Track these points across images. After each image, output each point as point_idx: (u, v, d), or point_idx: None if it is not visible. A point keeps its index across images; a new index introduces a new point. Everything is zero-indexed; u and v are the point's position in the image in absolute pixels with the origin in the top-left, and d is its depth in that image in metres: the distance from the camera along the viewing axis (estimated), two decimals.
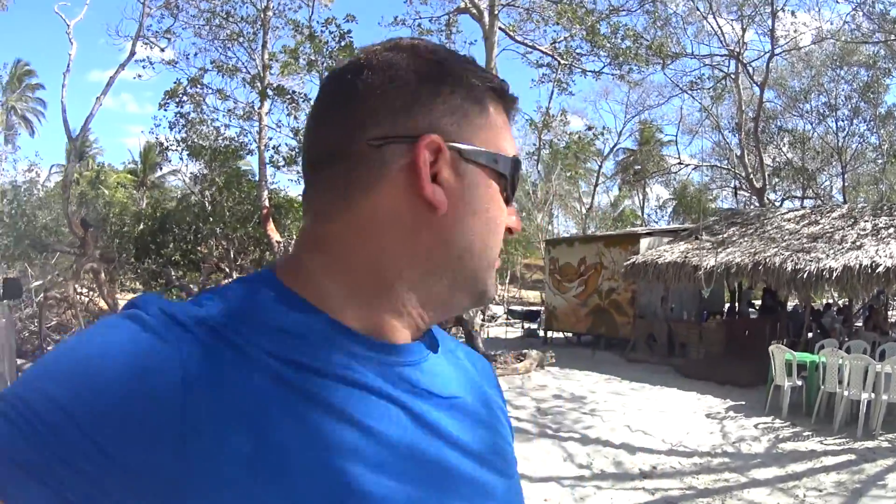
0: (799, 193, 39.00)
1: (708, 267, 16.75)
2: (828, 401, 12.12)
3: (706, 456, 10.23)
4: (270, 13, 21.64)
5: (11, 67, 49.07)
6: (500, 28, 19.22)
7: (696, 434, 11.41)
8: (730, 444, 10.93)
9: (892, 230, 15.77)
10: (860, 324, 21.68)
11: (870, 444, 10.65)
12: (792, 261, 15.47)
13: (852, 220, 17.31)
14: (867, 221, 16.88)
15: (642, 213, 54.32)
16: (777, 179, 38.80)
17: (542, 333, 24.01)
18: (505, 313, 29.49)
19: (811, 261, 15.15)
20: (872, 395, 11.33)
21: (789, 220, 19.17)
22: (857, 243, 15.46)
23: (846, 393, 11.45)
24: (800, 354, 13.37)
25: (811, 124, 37.07)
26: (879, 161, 36.99)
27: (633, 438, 11.02)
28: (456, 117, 0.88)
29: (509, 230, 0.96)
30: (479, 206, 0.89)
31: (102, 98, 21.54)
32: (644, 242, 20.21)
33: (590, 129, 21.75)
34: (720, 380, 15.65)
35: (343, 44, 18.76)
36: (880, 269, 13.89)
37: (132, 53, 22.01)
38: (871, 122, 34.11)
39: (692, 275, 17.15)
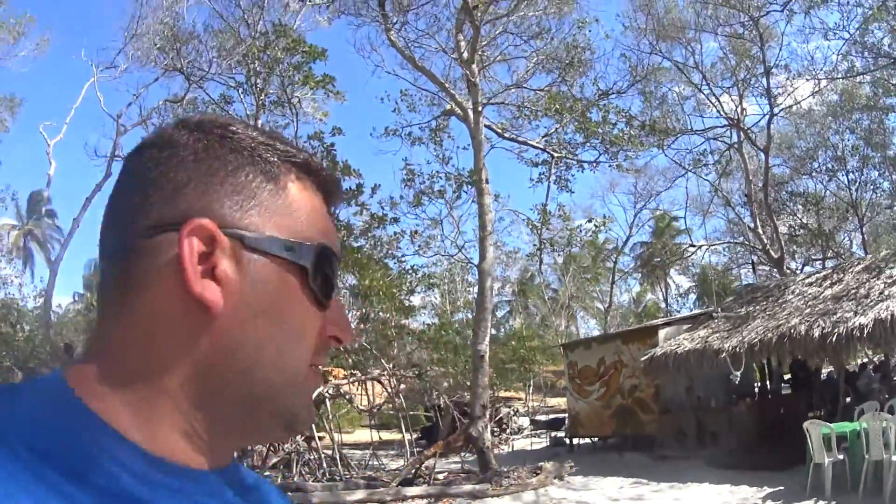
0: (819, 256, 37.03)
1: (730, 349, 15.43)
2: (874, 471, 10.69)
3: None
4: None
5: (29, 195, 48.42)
6: (486, 126, 18.63)
7: None
8: None
9: None
10: None
11: None
12: (818, 326, 14.09)
13: (877, 271, 16.04)
14: (893, 268, 15.64)
15: (666, 304, 52.85)
16: (795, 246, 37.12)
17: (567, 441, 22.60)
18: (530, 424, 28.00)
19: (839, 322, 13.77)
20: None
21: (811, 284, 17.88)
22: (886, 294, 14.12)
23: (895, 458, 10.04)
24: (838, 425, 12.02)
25: (822, 183, 35.65)
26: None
27: None
28: (239, 198, 0.75)
29: (336, 339, 0.82)
30: (269, 306, 0.75)
31: (80, 219, 21.32)
32: (662, 333, 18.97)
33: (590, 220, 20.73)
34: (754, 466, 14.23)
35: (328, 157, 18.21)
36: None
37: (108, 175, 21.79)
38: (882, 167, 32.67)
39: (714, 360, 15.85)
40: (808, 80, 30.54)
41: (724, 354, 15.47)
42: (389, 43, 19.69)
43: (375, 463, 18.99)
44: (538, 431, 26.06)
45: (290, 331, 0.77)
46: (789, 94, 30.95)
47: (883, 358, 20.93)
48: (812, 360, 15.70)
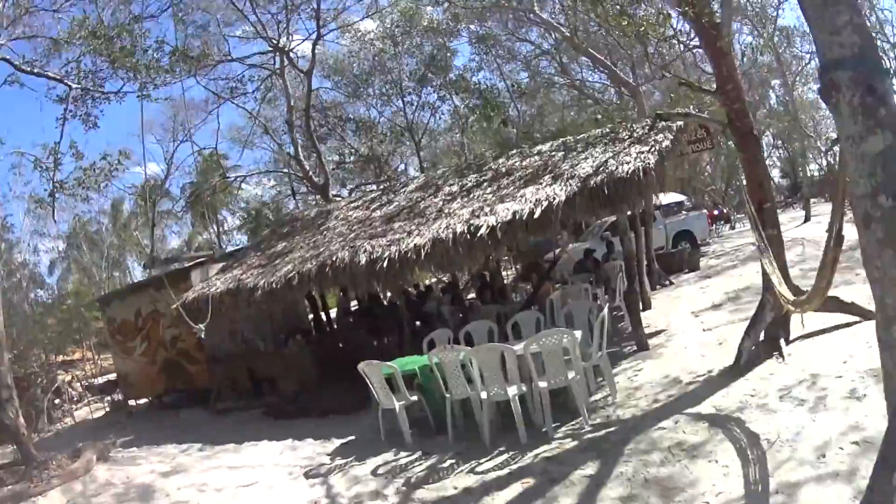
0: (373, 181, 35.37)
1: (265, 285, 13.34)
2: (462, 410, 9.21)
3: None
4: None
5: None
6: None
7: None
8: None
9: (486, 186, 13.19)
10: (473, 296, 19.18)
11: (546, 450, 7.87)
12: (365, 251, 12.30)
13: (434, 189, 14.70)
14: (452, 185, 14.31)
15: (219, 244, 49.51)
16: (346, 174, 35.98)
17: (126, 405, 19.42)
18: (85, 390, 23.93)
19: (391, 244, 12.08)
20: (524, 387, 8.53)
21: (357, 207, 16.26)
22: (445, 210, 12.67)
23: (484, 394, 8.50)
24: (404, 360, 10.49)
25: (376, 109, 34.22)
26: (456, 133, 35.17)
27: None
28: None
29: None
30: None
31: None
32: (195, 276, 16.40)
33: (104, 158, 17.22)
34: (322, 411, 12.52)
35: None
36: (482, 231, 10.95)
37: None
38: (443, 91, 31.19)
39: (250, 298, 13.63)
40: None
41: (259, 292, 13.30)
42: None
43: None
44: (94, 397, 22.36)
45: None
46: (339, 15, 29.09)
47: (451, 278, 19.78)
48: (361, 288, 13.73)
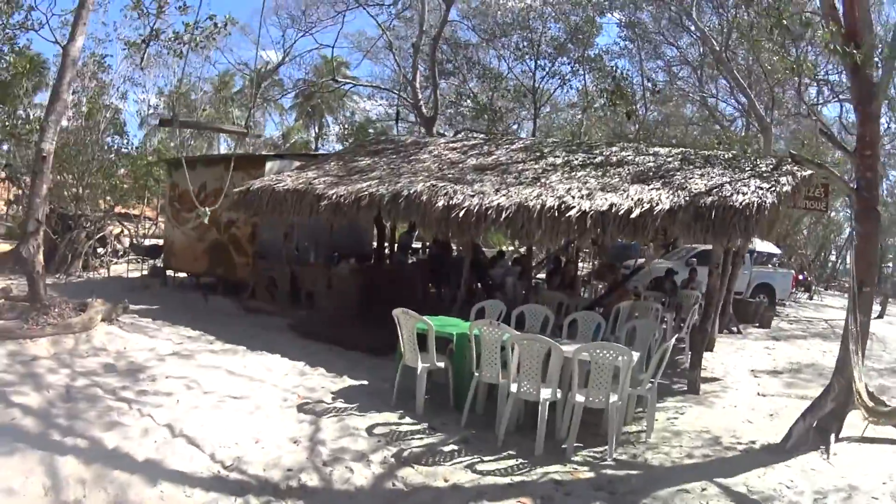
0: (482, 131, 33.53)
1: (334, 197, 12.24)
2: (486, 395, 8.31)
3: (262, 495, 5.91)
4: None
5: None
6: None
7: (268, 444, 7.12)
8: (314, 467, 6.62)
9: (591, 169, 11.93)
10: (543, 277, 18.00)
11: (557, 471, 6.86)
12: (445, 194, 11.23)
13: (537, 154, 13.48)
14: (557, 157, 13.04)
15: (316, 146, 48.50)
16: (456, 114, 33.99)
17: (163, 273, 19.00)
18: (129, 248, 23.43)
19: (474, 195, 11.01)
20: (559, 394, 7.54)
21: (455, 149, 15.04)
22: (542, 180, 11.51)
23: (514, 388, 7.45)
24: (445, 321, 9.51)
25: (507, 62, 32.17)
26: (578, 113, 33.08)
27: (169, 451, 6.68)
28: None
29: None
30: None
31: None
32: (270, 165, 15.61)
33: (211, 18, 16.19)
34: (349, 344, 11.66)
35: None
36: (572, 213, 9.85)
37: None
38: (576, 66, 29.27)
39: (315, 206, 12.60)
40: None
41: (325, 202, 12.28)
42: None
43: None
44: (137, 257, 21.85)
45: None
46: None
47: (525, 251, 18.49)
48: (430, 230, 12.59)
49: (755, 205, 9.05)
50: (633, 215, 9.34)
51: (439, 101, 27.86)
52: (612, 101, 24.10)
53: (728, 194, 9.44)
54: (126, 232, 24.34)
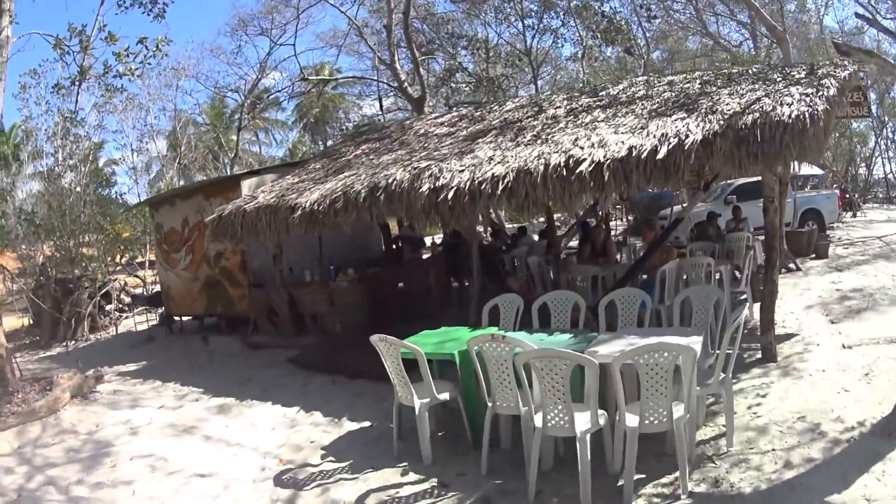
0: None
1: (307, 205, 10.04)
2: (508, 429, 6.26)
3: None
4: None
5: None
6: None
7: None
8: None
9: (597, 113, 9.53)
10: (575, 245, 15.59)
11: None
12: (430, 176, 8.92)
13: (536, 109, 11.12)
14: (559, 108, 10.69)
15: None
16: (453, 92, 31.04)
17: (168, 321, 16.90)
18: (129, 298, 21.44)
19: (463, 169, 8.67)
20: (602, 420, 5.30)
21: (443, 123, 12.69)
22: (544, 136, 9.12)
23: (538, 420, 5.24)
24: (446, 333, 7.43)
25: (493, 29, 30.01)
26: (578, 67, 30.78)
27: None
28: None
29: None
30: None
31: None
32: (246, 185, 13.35)
33: (141, 42, 14.36)
34: (352, 372, 9.61)
35: None
36: (584, 167, 7.39)
37: None
38: (566, 17, 27.04)
39: (288, 219, 10.32)
40: None
41: (299, 212, 10.08)
42: None
43: None
44: (143, 308, 19.97)
45: None
46: None
47: (546, 222, 15.82)
48: (421, 222, 10.05)
49: (806, 115, 6.84)
50: (659, 156, 7.17)
51: (430, 81, 25.82)
52: (608, 38, 21.83)
53: (770, 108, 7.22)
54: (130, 283, 22.39)
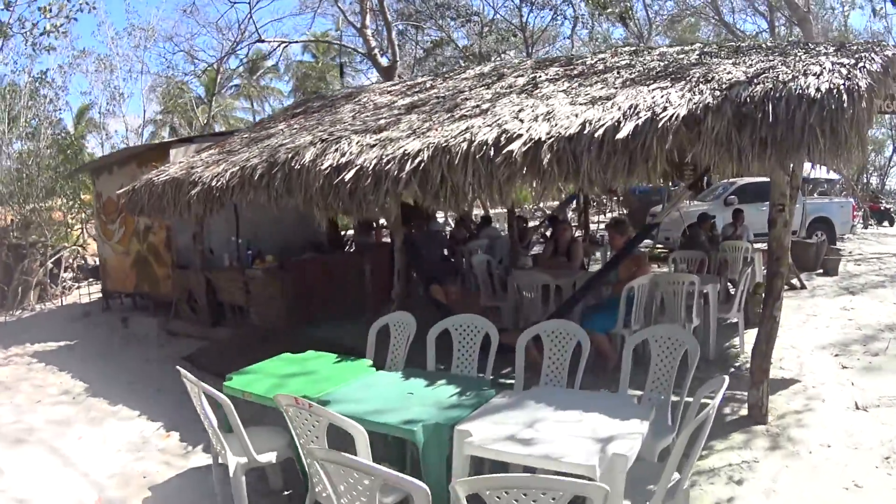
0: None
1: (209, 179, 8.00)
2: None
3: None
4: None
5: None
6: None
7: None
8: None
9: (562, 82, 7.36)
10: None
11: None
12: (336, 151, 6.77)
13: (495, 78, 8.90)
14: (521, 77, 8.44)
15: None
16: (439, 65, 28.06)
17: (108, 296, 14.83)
18: (77, 270, 19.42)
19: (374, 145, 6.56)
20: None
21: (391, 92, 10.47)
22: (484, 108, 6.83)
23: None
24: (296, 364, 5.65)
25: (489, 4, 28.18)
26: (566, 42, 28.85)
27: None
28: None
29: None
30: None
31: None
32: (174, 153, 11.30)
33: None
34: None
35: None
36: (515, 145, 5.25)
37: None
38: None
39: (187, 197, 8.32)
40: None
41: (197, 189, 8.04)
42: None
43: None
44: (87, 280, 18.07)
45: None
46: None
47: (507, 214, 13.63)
48: (321, 212, 7.60)
49: (843, 90, 4.72)
50: (620, 134, 5.06)
51: (417, 54, 23.50)
52: (599, 2, 19.66)
53: (788, 78, 5.02)
54: (90, 251, 20.42)
